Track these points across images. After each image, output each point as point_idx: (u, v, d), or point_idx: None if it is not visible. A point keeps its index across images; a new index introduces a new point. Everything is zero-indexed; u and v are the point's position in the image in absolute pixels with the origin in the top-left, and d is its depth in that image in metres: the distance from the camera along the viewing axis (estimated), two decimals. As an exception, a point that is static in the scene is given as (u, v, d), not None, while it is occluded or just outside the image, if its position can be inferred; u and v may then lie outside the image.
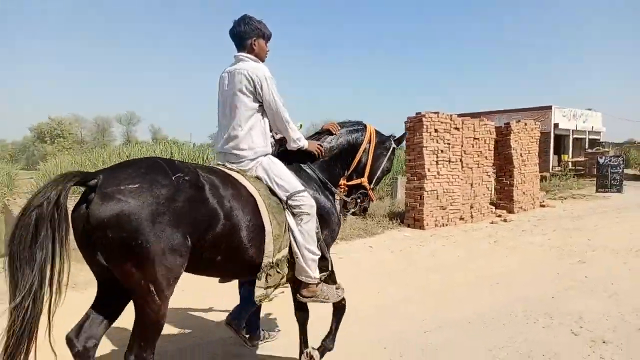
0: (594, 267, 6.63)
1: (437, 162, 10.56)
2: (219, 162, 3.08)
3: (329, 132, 3.45)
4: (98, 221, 2.13)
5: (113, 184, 2.19)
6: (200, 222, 2.43)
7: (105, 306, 2.50)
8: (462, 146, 11.20)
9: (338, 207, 3.49)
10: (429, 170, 10.39)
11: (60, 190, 2.14)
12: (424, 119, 10.30)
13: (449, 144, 10.83)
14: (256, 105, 3.00)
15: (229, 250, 2.62)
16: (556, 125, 29.34)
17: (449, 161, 10.88)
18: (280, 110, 3.03)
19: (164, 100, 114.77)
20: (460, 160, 11.20)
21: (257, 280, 2.82)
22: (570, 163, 27.86)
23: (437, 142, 10.58)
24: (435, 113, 10.54)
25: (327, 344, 3.48)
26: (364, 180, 3.56)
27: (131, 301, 2.40)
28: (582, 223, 10.92)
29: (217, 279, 3.40)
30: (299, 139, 3.18)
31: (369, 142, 3.55)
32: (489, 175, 12.13)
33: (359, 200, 3.60)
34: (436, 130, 10.54)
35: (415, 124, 10.45)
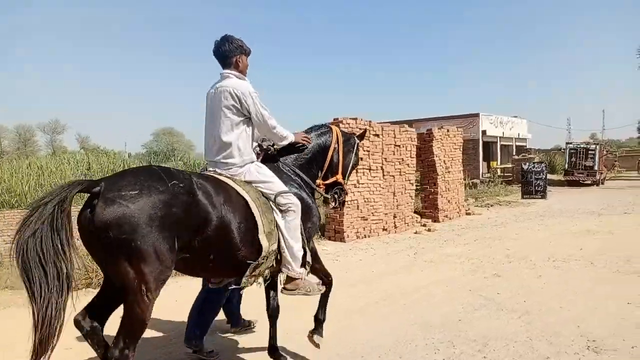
0: (508, 281, 6.23)
1: (356, 170, 10.02)
2: (210, 169, 3.29)
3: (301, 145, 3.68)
4: (101, 223, 2.33)
5: (114, 190, 2.40)
6: (194, 225, 2.65)
7: (110, 294, 2.70)
8: (382, 153, 10.74)
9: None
10: (348, 179, 9.82)
11: (66, 195, 2.33)
12: (341, 125, 9.72)
13: (368, 151, 10.35)
14: (242, 118, 3.24)
15: (222, 250, 2.85)
16: (484, 132, 30.00)
17: (369, 169, 10.40)
18: (267, 120, 3.30)
19: (92, 107, 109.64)
20: (382, 168, 10.73)
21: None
22: (498, 170, 28.43)
23: (356, 149, 10.06)
24: (353, 119, 10.04)
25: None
26: (339, 177, 3.89)
27: None
28: (504, 231, 10.72)
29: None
30: (286, 136, 3.49)
31: (337, 142, 3.86)
32: (411, 184, 11.73)
33: (336, 196, 3.91)
34: (354, 137, 10.01)
35: (332, 131, 9.86)
